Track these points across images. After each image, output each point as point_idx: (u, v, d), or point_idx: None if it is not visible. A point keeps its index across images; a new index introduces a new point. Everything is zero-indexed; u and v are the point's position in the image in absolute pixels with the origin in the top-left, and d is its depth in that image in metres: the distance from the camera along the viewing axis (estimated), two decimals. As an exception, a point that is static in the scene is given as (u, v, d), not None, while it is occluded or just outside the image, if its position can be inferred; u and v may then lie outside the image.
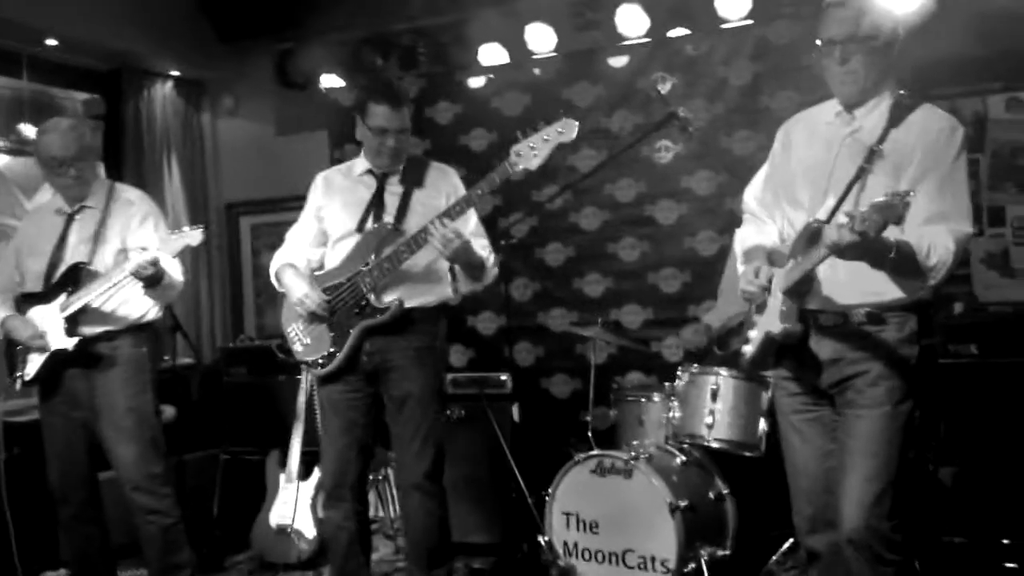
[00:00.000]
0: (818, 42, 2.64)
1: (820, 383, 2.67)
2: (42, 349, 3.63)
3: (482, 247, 3.56)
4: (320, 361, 3.51)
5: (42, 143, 3.70)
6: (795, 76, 4.94)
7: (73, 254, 3.71)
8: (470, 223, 3.57)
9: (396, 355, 3.47)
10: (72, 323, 3.62)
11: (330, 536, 3.66)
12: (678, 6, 5.13)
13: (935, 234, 2.42)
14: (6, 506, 3.90)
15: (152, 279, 3.50)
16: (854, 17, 2.56)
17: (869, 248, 2.30)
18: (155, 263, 3.43)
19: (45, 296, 3.68)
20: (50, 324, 3.63)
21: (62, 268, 3.69)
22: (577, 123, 3.25)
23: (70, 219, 3.78)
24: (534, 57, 5.51)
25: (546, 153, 3.26)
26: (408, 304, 3.44)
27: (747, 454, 3.87)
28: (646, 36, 5.21)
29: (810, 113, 2.85)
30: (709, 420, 3.88)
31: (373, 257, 3.42)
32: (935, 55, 4.30)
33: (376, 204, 3.54)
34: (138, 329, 3.75)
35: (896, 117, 2.57)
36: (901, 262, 2.37)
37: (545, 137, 3.25)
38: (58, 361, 3.64)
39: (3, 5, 4.93)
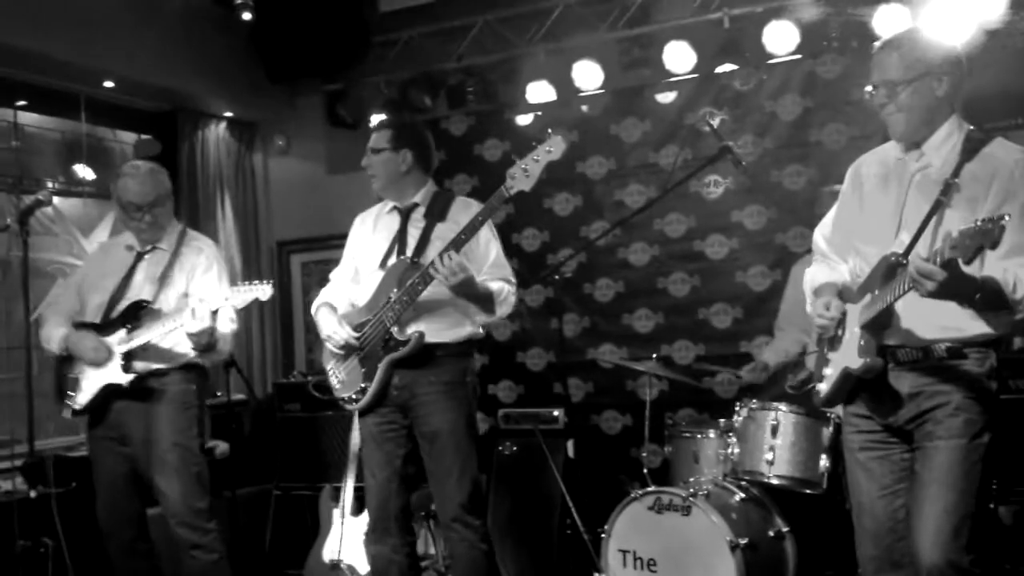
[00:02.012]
0: (867, 88, 2.69)
1: (898, 419, 2.63)
2: (103, 363, 3.67)
3: (497, 278, 3.55)
4: (354, 396, 3.56)
5: (120, 187, 3.78)
6: (844, 110, 4.96)
7: (137, 292, 3.77)
8: (491, 254, 3.59)
9: (423, 390, 3.50)
10: (128, 359, 3.67)
11: (381, 570, 3.66)
12: (726, 42, 5.15)
13: (1019, 266, 2.40)
14: (62, 539, 3.94)
15: (206, 344, 3.58)
16: (890, 60, 2.61)
17: (957, 287, 2.28)
18: (212, 330, 3.53)
19: (103, 328, 3.74)
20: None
21: (123, 304, 3.75)
22: (562, 139, 3.26)
23: (139, 257, 3.85)
24: (581, 94, 5.56)
25: (538, 173, 3.26)
26: (431, 339, 3.46)
27: (808, 491, 3.82)
28: (693, 72, 5.24)
29: (878, 152, 2.84)
30: (769, 456, 3.83)
31: (395, 291, 3.46)
32: (985, 88, 4.28)
33: (399, 239, 3.60)
34: (189, 366, 3.80)
35: (969, 151, 2.56)
36: (989, 299, 2.36)
37: (536, 158, 3.25)
38: (110, 394, 3.70)
39: (61, 47, 5.06)
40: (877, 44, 2.69)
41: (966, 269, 2.26)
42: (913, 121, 2.62)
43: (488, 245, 3.57)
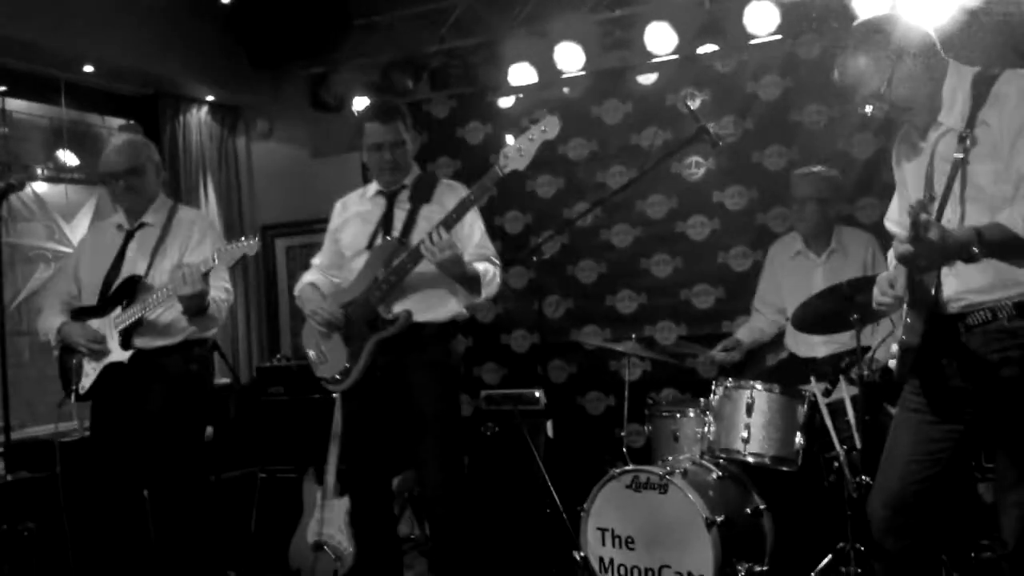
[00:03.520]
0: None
1: (961, 389, 2.54)
2: (100, 354, 3.68)
3: (482, 259, 3.58)
4: (338, 376, 3.58)
5: (101, 160, 3.83)
6: (824, 90, 4.95)
7: (130, 269, 3.78)
8: (475, 236, 3.61)
9: (409, 371, 3.52)
10: (126, 336, 3.69)
11: (359, 550, 3.71)
12: (707, 23, 5.14)
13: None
14: (65, 522, 3.94)
15: (197, 308, 3.58)
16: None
17: (939, 252, 2.23)
18: (204, 293, 3.52)
19: (100, 310, 3.75)
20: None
21: (117, 282, 3.76)
22: (559, 120, 3.29)
23: (129, 235, 3.86)
24: (563, 76, 5.55)
25: (532, 152, 3.29)
26: (418, 318, 3.49)
27: (783, 468, 3.84)
28: (675, 53, 5.23)
29: (905, 130, 2.75)
30: (744, 434, 3.86)
31: (382, 271, 3.48)
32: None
33: (385, 221, 3.62)
34: (191, 346, 3.81)
35: (979, 96, 2.47)
36: (998, 246, 2.27)
37: (531, 137, 3.29)
38: (111, 375, 3.71)
39: (40, 32, 5.04)
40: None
41: (989, 213, 2.21)
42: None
43: (472, 226, 3.60)
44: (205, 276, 3.52)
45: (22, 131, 5.88)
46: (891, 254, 2.78)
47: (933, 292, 2.49)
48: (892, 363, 2.57)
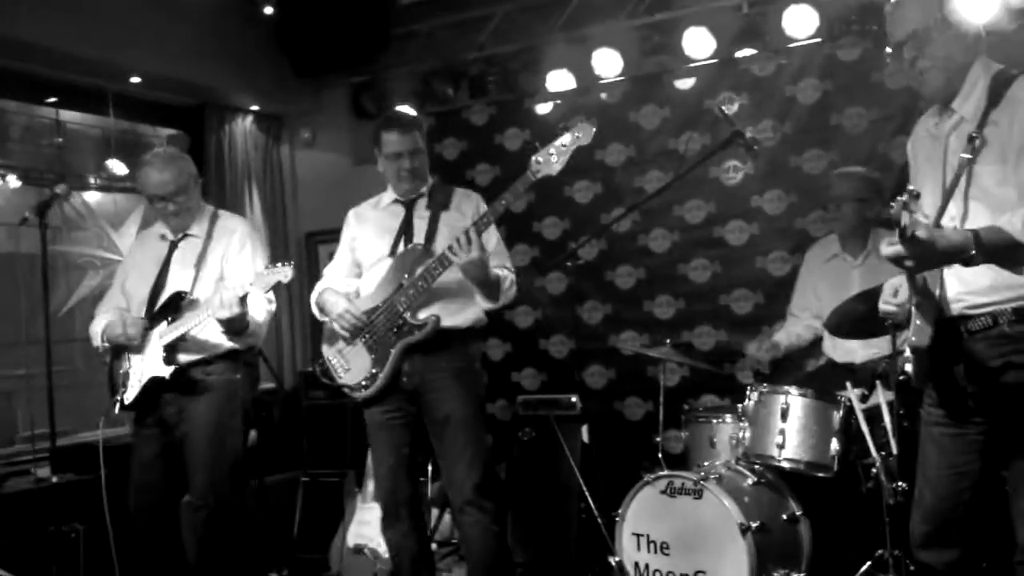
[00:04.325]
0: (888, 50, 2.59)
1: (972, 394, 2.53)
2: (136, 338, 3.68)
3: (500, 266, 3.60)
4: (363, 383, 3.60)
5: (142, 178, 3.82)
6: (864, 92, 4.92)
7: (174, 281, 3.80)
8: (491, 242, 3.62)
9: (434, 376, 3.55)
10: (170, 351, 3.70)
11: (394, 555, 3.73)
12: (745, 27, 5.13)
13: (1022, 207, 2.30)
14: (108, 524, 3.93)
15: (238, 329, 3.60)
16: (912, 14, 2.51)
17: (932, 253, 2.23)
18: (243, 315, 3.52)
19: (149, 323, 3.77)
20: (151, 351, 3.73)
21: (164, 294, 3.78)
22: (593, 127, 3.30)
23: (173, 246, 3.90)
24: (601, 82, 5.57)
25: (566, 158, 3.31)
26: (443, 323, 3.52)
27: (819, 474, 3.81)
28: (713, 57, 5.23)
29: (922, 121, 2.75)
30: (779, 440, 3.83)
31: (407, 277, 3.51)
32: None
33: (406, 229, 3.65)
34: (234, 356, 3.82)
35: (994, 96, 2.46)
36: (996, 250, 2.26)
37: (563, 143, 3.30)
38: (156, 388, 3.73)
39: (88, 44, 5.16)
40: (890, 3, 2.59)
41: (992, 215, 2.20)
42: (950, 71, 2.52)
43: (489, 233, 3.60)
44: (243, 299, 3.52)
45: (75, 141, 6.05)
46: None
47: (937, 293, 2.48)
48: (908, 368, 2.55)
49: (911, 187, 2.21)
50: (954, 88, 2.55)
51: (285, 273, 3.50)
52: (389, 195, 3.78)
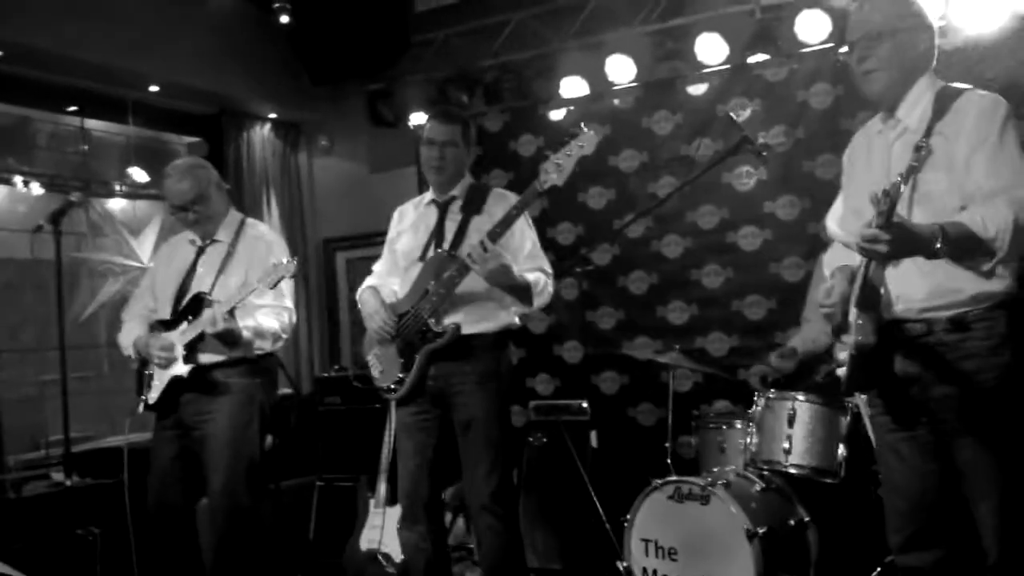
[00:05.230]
0: (843, 48, 2.68)
1: (913, 399, 2.56)
2: (169, 362, 3.77)
3: (533, 269, 3.59)
4: (392, 386, 3.63)
5: (165, 189, 3.91)
6: (877, 98, 4.89)
7: (198, 284, 3.87)
8: (525, 246, 3.63)
9: (459, 380, 3.55)
10: (190, 351, 3.76)
11: (409, 557, 3.75)
12: (757, 32, 5.12)
13: (989, 206, 2.35)
14: (130, 526, 3.99)
15: (232, 343, 3.66)
16: (869, 15, 2.60)
17: (912, 241, 2.27)
18: (231, 331, 3.59)
19: (172, 323, 3.85)
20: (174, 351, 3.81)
21: (187, 298, 3.85)
22: (594, 134, 3.33)
23: (200, 251, 3.96)
24: (614, 88, 5.59)
25: (570, 167, 3.31)
26: (467, 330, 3.52)
27: (826, 480, 3.81)
28: (725, 63, 5.23)
29: (865, 128, 2.83)
30: (786, 445, 3.84)
31: (432, 283, 3.53)
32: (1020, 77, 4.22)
33: (437, 232, 3.66)
34: (254, 361, 3.86)
35: (940, 108, 2.52)
36: (958, 244, 2.30)
37: (568, 152, 3.31)
38: (176, 387, 3.79)
39: (108, 53, 5.25)
40: (856, 3, 2.67)
41: (916, 219, 2.25)
42: (893, 77, 2.59)
43: (523, 236, 3.62)
44: (231, 313, 3.58)
45: (100, 149, 6.15)
46: (825, 260, 2.89)
47: (882, 292, 2.49)
48: (841, 372, 2.60)
49: (898, 177, 2.26)
50: (896, 94, 2.61)
51: (289, 269, 3.57)
52: (429, 194, 3.78)
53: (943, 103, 2.53)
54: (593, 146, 3.34)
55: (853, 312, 2.52)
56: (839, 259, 2.82)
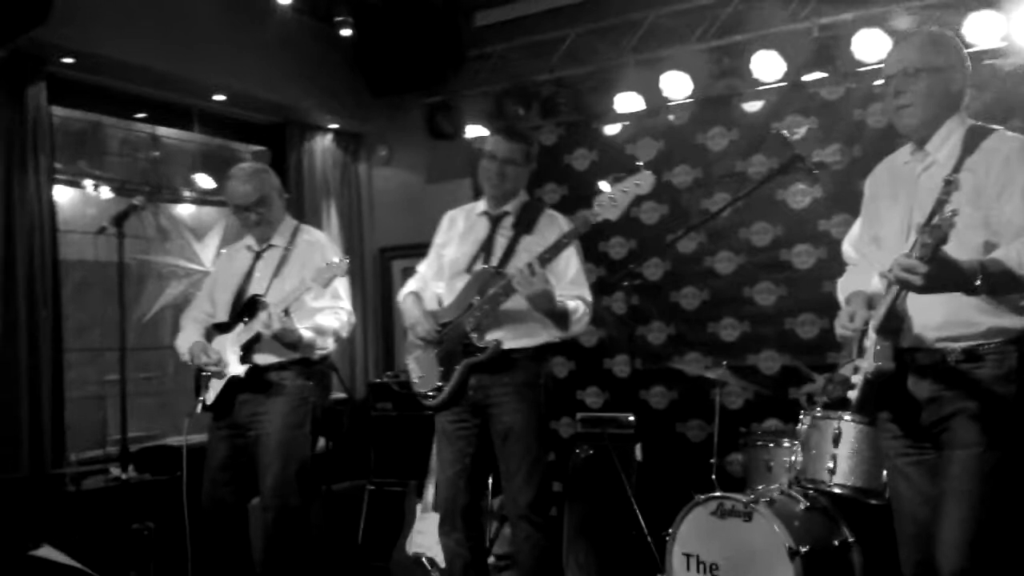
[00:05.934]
0: (880, 81, 2.75)
1: (919, 426, 2.63)
2: (219, 375, 3.90)
3: (574, 296, 3.60)
4: (430, 394, 3.69)
5: (228, 190, 4.04)
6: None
7: (255, 288, 3.99)
8: (569, 271, 3.64)
9: (498, 391, 3.59)
10: (246, 351, 3.88)
11: (449, 562, 3.81)
12: (815, 51, 5.10)
13: (1022, 243, 2.40)
14: (187, 521, 4.07)
15: (291, 343, 3.77)
16: (906, 52, 2.68)
17: (948, 275, 2.30)
18: (289, 331, 3.71)
19: (229, 326, 3.98)
20: (229, 353, 3.91)
21: (244, 300, 3.98)
22: (653, 176, 3.35)
23: (257, 256, 4.09)
24: (669, 103, 5.61)
25: (625, 204, 3.36)
26: (508, 345, 3.56)
27: (871, 501, 3.78)
28: (782, 81, 5.22)
29: (890, 158, 2.89)
30: (831, 465, 3.81)
31: (477, 299, 3.57)
32: None
33: (486, 246, 3.70)
34: (308, 362, 3.95)
35: (970, 146, 2.58)
36: (995, 281, 2.35)
37: (624, 189, 3.35)
38: (233, 387, 3.90)
39: (176, 63, 5.42)
40: (894, 40, 2.77)
41: (956, 255, 2.27)
42: (926, 113, 2.64)
43: (569, 261, 3.63)
44: (286, 312, 3.69)
45: (170, 155, 6.34)
46: (840, 284, 2.95)
47: (904, 320, 2.54)
48: (852, 394, 2.62)
49: (953, 208, 2.27)
50: (927, 132, 2.68)
51: (341, 268, 3.68)
52: (482, 204, 3.82)
53: (973, 141, 2.60)
54: (650, 187, 3.37)
55: (873, 337, 2.58)
56: (852, 284, 2.88)
